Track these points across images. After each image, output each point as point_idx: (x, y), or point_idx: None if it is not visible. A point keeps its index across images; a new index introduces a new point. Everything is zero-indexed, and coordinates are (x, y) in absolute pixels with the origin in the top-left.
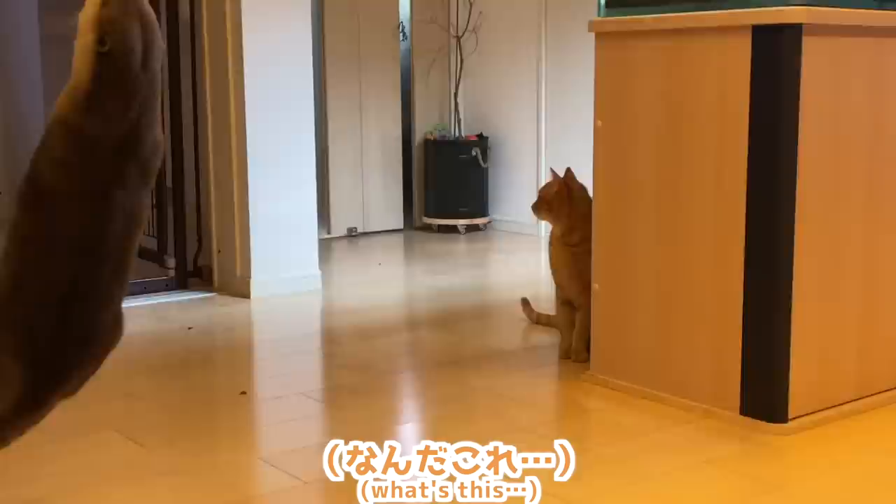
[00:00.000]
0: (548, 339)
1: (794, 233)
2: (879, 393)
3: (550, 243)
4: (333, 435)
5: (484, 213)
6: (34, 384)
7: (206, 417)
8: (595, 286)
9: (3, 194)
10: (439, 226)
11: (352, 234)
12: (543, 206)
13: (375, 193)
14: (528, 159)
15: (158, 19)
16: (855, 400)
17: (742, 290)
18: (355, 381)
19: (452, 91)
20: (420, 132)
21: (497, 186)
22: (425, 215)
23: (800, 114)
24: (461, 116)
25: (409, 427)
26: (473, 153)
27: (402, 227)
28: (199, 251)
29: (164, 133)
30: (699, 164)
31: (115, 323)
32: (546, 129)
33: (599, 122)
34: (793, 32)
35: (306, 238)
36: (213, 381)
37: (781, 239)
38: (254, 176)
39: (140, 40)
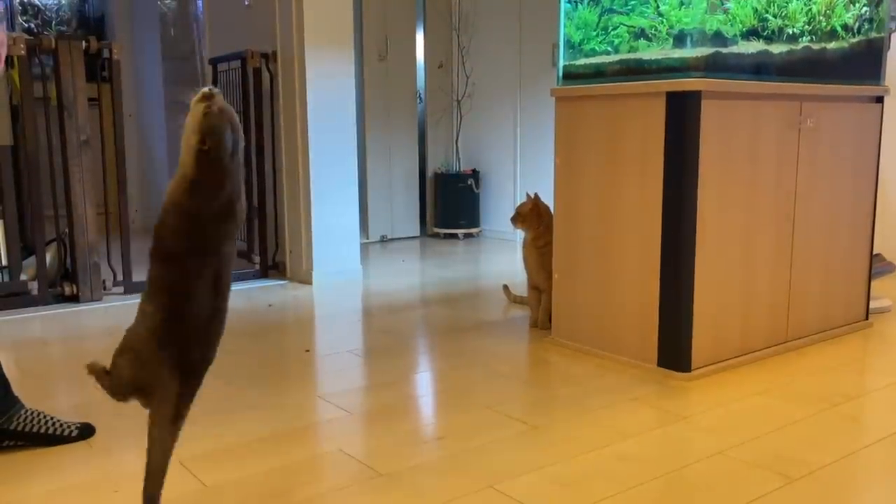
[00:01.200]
0: (521, 313)
1: (695, 234)
2: (754, 351)
3: (523, 246)
4: (371, 380)
5: (477, 225)
6: (186, 385)
7: (280, 368)
8: (555, 276)
9: (138, 211)
10: (445, 234)
11: (383, 240)
12: (519, 218)
13: (399, 210)
14: (508, 187)
15: (249, 91)
16: (739, 356)
17: (658, 276)
18: (386, 343)
19: (454, 138)
20: (431, 167)
21: (486, 206)
22: (435, 226)
23: (700, 152)
24: (460, 156)
25: (423, 374)
26: (469, 182)
27: (418, 234)
28: (276, 251)
29: (252, 167)
30: (628, 189)
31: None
32: (520, 165)
33: (558, 160)
34: (694, 97)
35: (351, 242)
36: (286, 342)
37: (686, 239)
38: (315, 197)
39: (230, 140)
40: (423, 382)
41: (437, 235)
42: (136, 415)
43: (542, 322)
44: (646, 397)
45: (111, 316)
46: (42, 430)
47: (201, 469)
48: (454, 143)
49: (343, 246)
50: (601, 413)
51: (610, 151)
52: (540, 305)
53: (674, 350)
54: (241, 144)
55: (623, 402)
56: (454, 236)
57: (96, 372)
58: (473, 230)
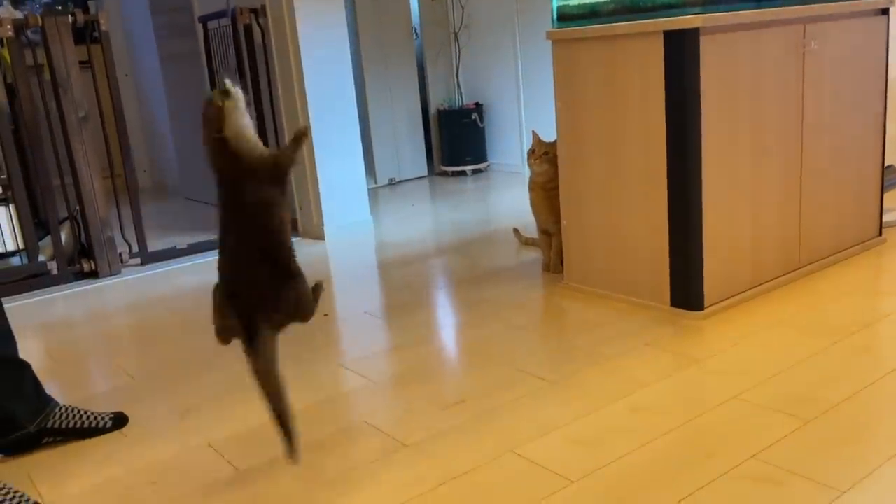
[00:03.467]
0: (533, 256)
1: (700, 172)
2: (766, 282)
3: (531, 189)
4: (390, 343)
5: (484, 160)
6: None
7: (302, 336)
8: (564, 222)
9: (147, 171)
10: (452, 171)
11: (392, 182)
12: (546, 159)
13: (405, 151)
14: (512, 119)
15: (242, 48)
16: (752, 287)
17: (667, 216)
18: (402, 300)
19: (454, 72)
20: (434, 104)
21: (492, 140)
22: (442, 164)
23: (700, 89)
24: (462, 91)
25: (441, 333)
26: (473, 117)
27: (426, 174)
28: None
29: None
30: (631, 131)
31: None
32: (524, 96)
33: (559, 104)
34: (692, 34)
35: (358, 193)
36: None
37: (692, 177)
38: (318, 151)
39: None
40: (441, 342)
41: (445, 174)
42: (165, 399)
43: (555, 266)
44: (659, 341)
45: (131, 289)
46: (78, 425)
47: (232, 453)
48: (455, 78)
49: (351, 197)
50: (616, 362)
51: (610, 94)
52: (551, 249)
53: (686, 289)
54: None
55: (637, 348)
56: (462, 173)
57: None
58: (481, 165)
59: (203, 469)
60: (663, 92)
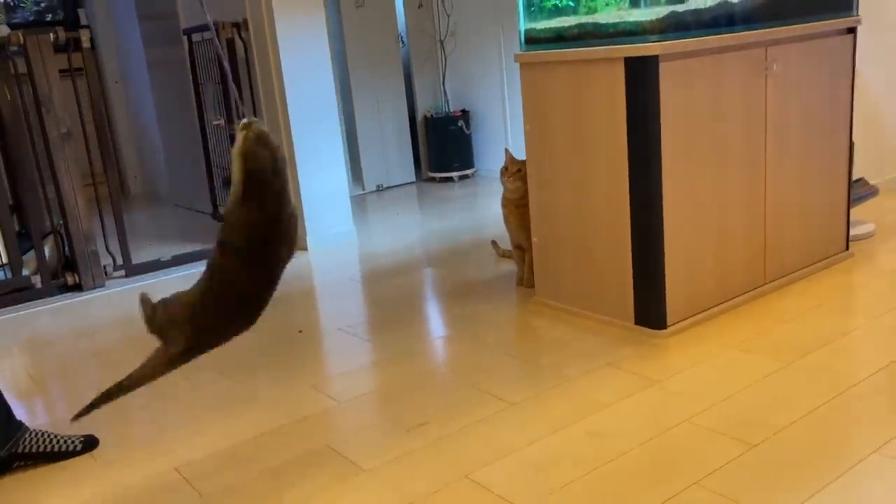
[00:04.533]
0: (509, 269)
1: (661, 190)
2: (732, 298)
3: (504, 205)
4: (361, 362)
5: (471, 166)
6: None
7: (275, 354)
8: (534, 239)
9: (137, 178)
10: (440, 178)
11: (379, 189)
12: (518, 176)
13: (393, 158)
14: (499, 125)
15: (224, 59)
16: (717, 304)
17: (630, 234)
18: (377, 315)
19: (441, 80)
20: (421, 111)
21: (478, 146)
22: (429, 171)
23: (660, 114)
24: (448, 98)
25: (412, 351)
26: (459, 124)
27: (414, 180)
28: None
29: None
30: (595, 150)
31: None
32: (509, 103)
33: (528, 126)
34: (651, 60)
35: (340, 204)
36: (282, 321)
37: (653, 196)
38: (300, 163)
39: (269, 161)
40: (411, 361)
41: (432, 180)
42: (139, 420)
43: (528, 280)
44: (621, 361)
45: (115, 303)
46: (47, 449)
47: (199, 477)
48: (441, 85)
49: (334, 208)
50: (577, 383)
51: (576, 116)
52: (524, 263)
53: (648, 308)
54: (283, 163)
55: (599, 369)
56: (450, 179)
57: (145, 301)
58: (468, 171)
59: (168, 496)
60: (625, 115)
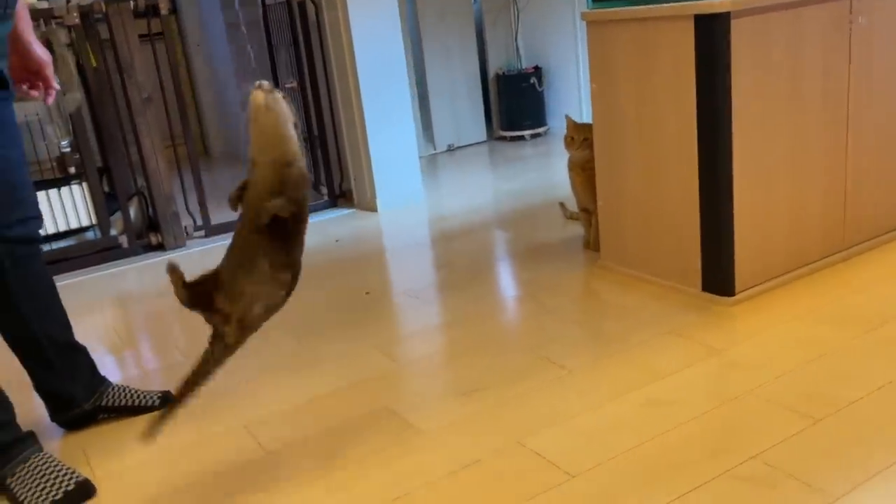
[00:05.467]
0: (577, 231)
1: (731, 151)
2: (805, 265)
3: (570, 169)
4: (423, 325)
5: (543, 124)
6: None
7: (341, 315)
8: (599, 202)
9: (217, 138)
10: (511, 136)
11: (450, 149)
12: (587, 145)
13: (464, 117)
14: (572, 81)
15: (295, 25)
16: (789, 272)
17: (698, 197)
18: (442, 279)
19: (514, 36)
20: (493, 68)
21: (552, 103)
22: (501, 129)
23: (731, 74)
24: (521, 54)
25: (474, 315)
26: (532, 81)
27: (485, 139)
28: (342, 180)
29: (308, 97)
30: (663, 110)
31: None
32: (582, 57)
33: (594, 86)
34: (722, 18)
35: (410, 165)
36: (349, 283)
37: (723, 158)
38: (370, 123)
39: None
40: (472, 324)
41: (503, 139)
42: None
43: (594, 243)
44: (685, 328)
45: (195, 262)
46: (128, 403)
47: (263, 432)
48: (514, 42)
49: (403, 170)
50: (638, 350)
51: (644, 75)
52: (591, 226)
53: (717, 274)
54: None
55: (661, 336)
56: (521, 138)
57: (175, 274)
58: (540, 130)
59: (233, 445)
60: (694, 74)
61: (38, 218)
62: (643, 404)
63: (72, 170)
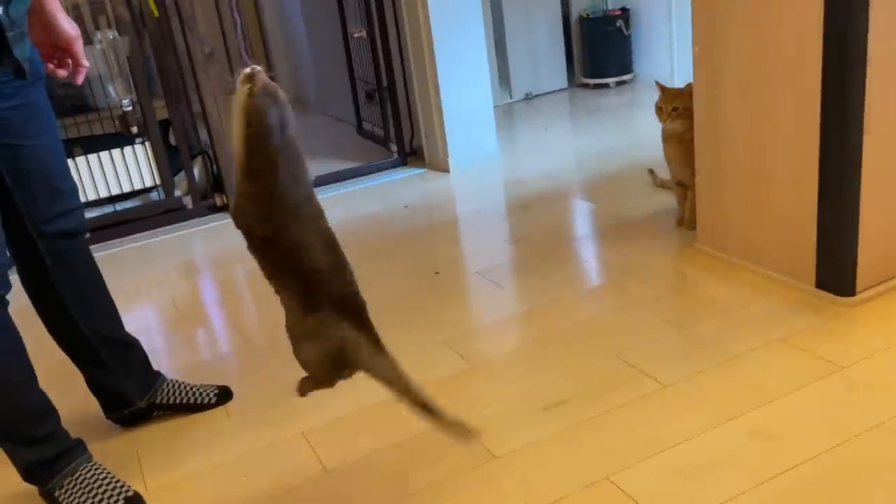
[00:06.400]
0: (667, 203)
1: (861, 126)
2: None
3: (664, 140)
4: (497, 316)
5: (629, 71)
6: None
7: (408, 299)
8: (697, 178)
9: (288, 86)
10: (594, 84)
11: (528, 97)
12: (680, 115)
13: (544, 63)
14: (662, 24)
15: None
16: None
17: (817, 175)
18: (518, 258)
19: None
20: (575, 11)
21: (638, 49)
22: (583, 76)
23: (868, 33)
24: None
25: (552, 305)
26: (618, 24)
27: (566, 86)
28: (412, 137)
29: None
30: (780, 80)
31: None
32: (674, 0)
33: (697, 48)
34: None
35: (485, 121)
36: (417, 259)
37: (851, 133)
38: (442, 73)
39: (277, 118)
40: (550, 318)
41: (586, 86)
42: (271, 372)
43: (689, 222)
44: (796, 335)
45: None
46: (184, 401)
47: (324, 446)
48: None
49: (477, 126)
50: (740, 363)
51: (758, 36)
52: (686, 203)
53: (834, 269)
54: (291, 121)
55: (767, 345)
56: (605, 86)
57: (301, 386)
58: (626, 77)
59: (294, 463)
60: (821, 35)
61: (80, 209)
62: (749, 436)
63: (134, 129)
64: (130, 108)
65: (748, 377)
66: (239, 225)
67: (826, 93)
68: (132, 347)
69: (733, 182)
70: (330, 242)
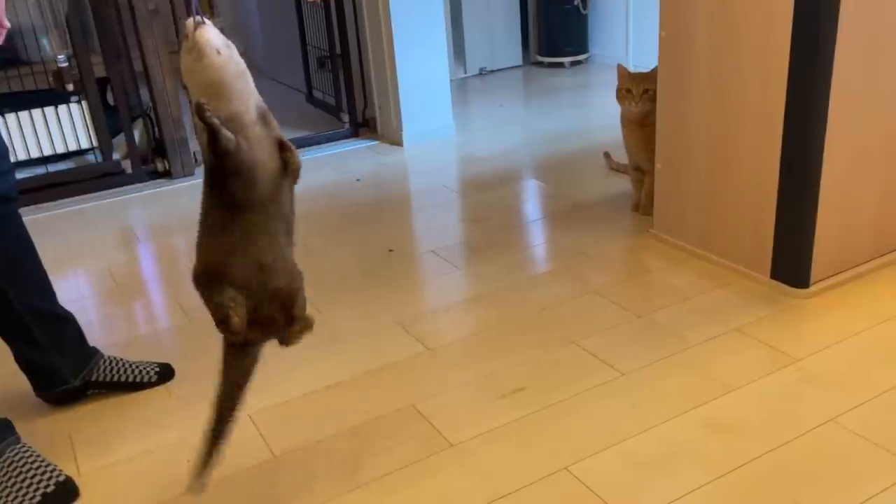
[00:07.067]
0: (622, 187)
1: (826, 119)
2: (890, 252)
3: (623, 125)
4: (452, 298)
5: (585, 51)
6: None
7: (361, 279)
8: (658, 165)
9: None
10: (549, 62)
11: (483, 72)
12: (647, 99)
13: (500, 38)
14: (619, 6)
15: None
16: (874, 258)
17: (778, 169)
18: (474, 238)
19: None
20: None
21: (595, 28)
22: (538, 54)
23: (838, 20)
24: None
25: (509, 289)
26: (575, 3)
27: (520, 63)
28: (365, 107)
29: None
30: (747, 64)
31: None
32: None
33: (663, 33)
34: None
35: (440, 96)
36: (370, 235)
37: (814, 127)
38: (399, 49)
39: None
40: (507, 302)
41: (540, 64)
42: (215, 348)
43: (644, 207)
44: (752, 326)
45: None
46: (122, 379)
47: (272, 430)
48: None
49: (433, 100)
50: (698, 352)
51: (726, 24)
52: (642, 188)
53: (791, 260)
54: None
55: (724, 336)
56: (560, 65)
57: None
58: (581, 57)
59: (242, 448)
60: (790, 26)
61: (10, 172)
62: (707, 427)
63: (70, 87)
64: (66, 65)
65: (705, 367)
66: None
67: (792, 89)
68: (66, 322)
69: (694, 171)
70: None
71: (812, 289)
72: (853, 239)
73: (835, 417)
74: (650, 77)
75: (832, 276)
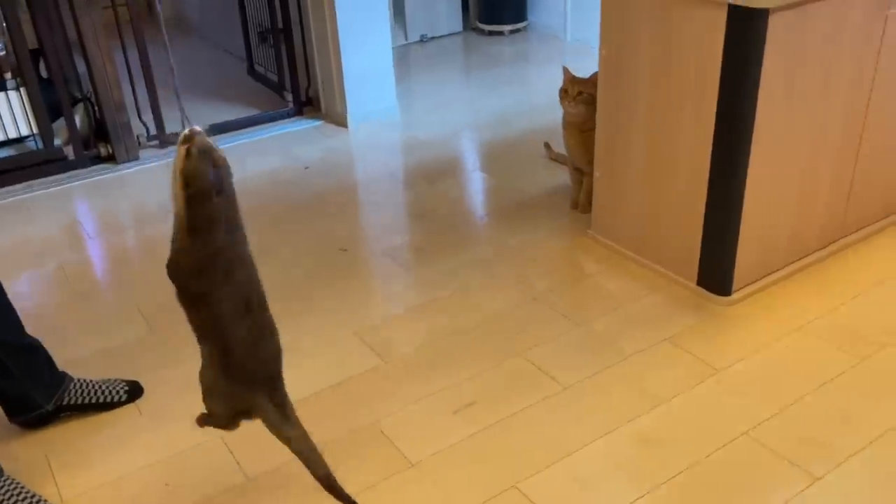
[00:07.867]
0: (561, 180)
1: (750, 141)
2: (809, 254)
3: (564, 128)
4: (406, 305)
5: (523, 19)
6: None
7: (314, 282)
8: (596, 174)
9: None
10: (489, 30)
11: (423, 39)
12: (583, 100)
13: (440, 5)
14: None
15: None
16: (789, 264)
17: (707, 185)
18: (421, 237)
19: None
20: None
21: None
22: (478, 21)
23: (762, 67)
24: None
25: (460, 293)
26: None
27: (461, 30)
28: (308, 85)
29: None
30: (680, 92)
31: None
32: None
33: (604, 51)
34: (760, 14)
35: (385, 76)
36: (321, 231)
37: (740, 144)
38: (342, 25)
39: (214, 178)
40: (457, 310)
41: (480, 31)
42: (182, 361)
43: (583, 206)
44: (680, 336)
45: (153, 179)
46: (93, 400)
47: (239, 447)
48: None
49: (376, 80)
50: (632, 364)
51: (662, 54)
52: (581, 188)
53: (714, 270)
54: (229, 181)
55: (656, 346)
56: (499, 33)
57: (201, 420)
58: (520, 25)
59: (213, 470)
60: (720, 62)
61: None
62: (637, 443)
63: (8, 75)
64: (3, 53)
65: (637, 381)
66: (174, 278)
67: (721, 111)
68: (36, 350)
69: (631, 179)
70: (260, 302)
71: (734, 296)
72: (772, 247)
73: (747, 431)
74: (586, 82)
75: (753, 282)
